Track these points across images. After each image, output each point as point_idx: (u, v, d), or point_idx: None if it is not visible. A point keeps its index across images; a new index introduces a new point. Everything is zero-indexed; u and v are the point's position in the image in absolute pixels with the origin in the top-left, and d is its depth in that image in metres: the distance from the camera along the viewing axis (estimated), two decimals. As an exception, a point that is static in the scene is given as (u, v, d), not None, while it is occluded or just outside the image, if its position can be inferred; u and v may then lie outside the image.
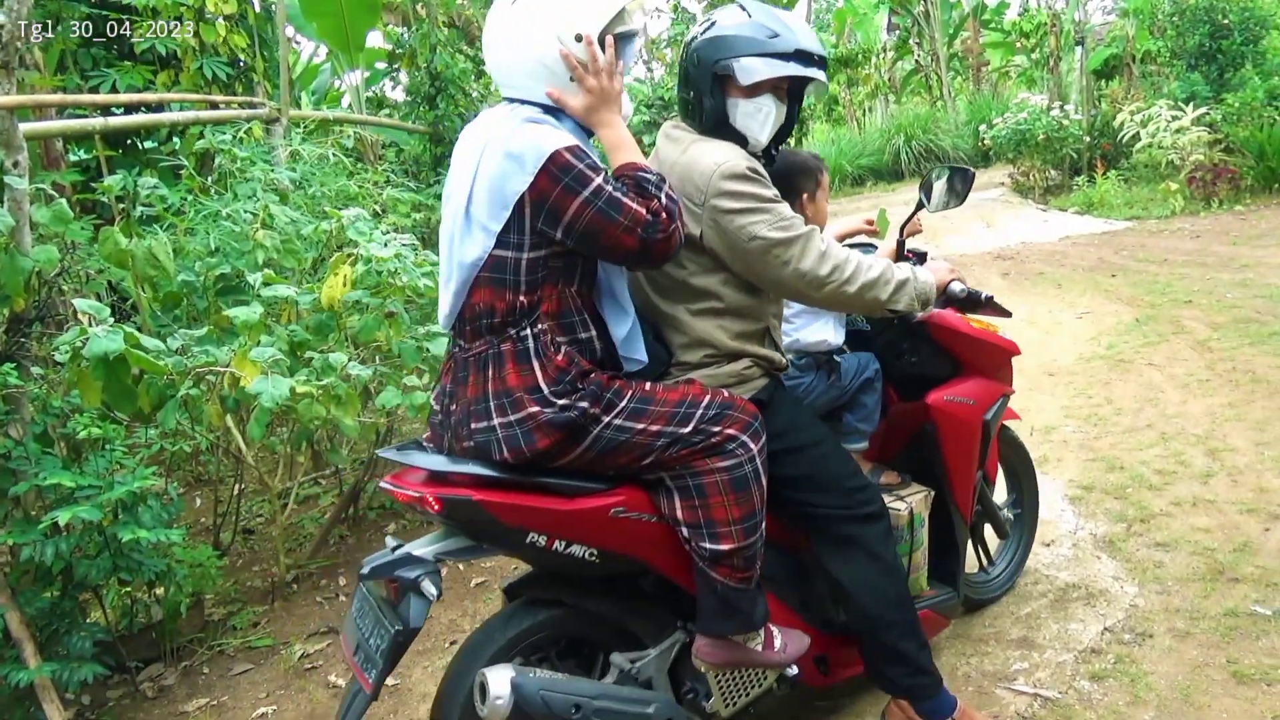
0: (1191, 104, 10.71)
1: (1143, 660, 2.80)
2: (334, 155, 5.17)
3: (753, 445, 2.09)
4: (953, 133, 17.11)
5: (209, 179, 4.84)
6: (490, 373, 1.99)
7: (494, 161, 1.94)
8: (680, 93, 2.33)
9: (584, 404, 1.97)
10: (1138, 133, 10.90)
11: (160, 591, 3.95)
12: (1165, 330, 6.13)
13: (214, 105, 5.83)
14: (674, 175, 2.19)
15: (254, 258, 4.24)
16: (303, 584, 4.44)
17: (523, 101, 2.04)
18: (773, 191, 2.17)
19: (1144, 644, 2.89)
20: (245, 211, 4.44)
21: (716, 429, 2.05)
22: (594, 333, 2.06)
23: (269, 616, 4.16)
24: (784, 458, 2.24)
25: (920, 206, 2.79)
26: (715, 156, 2.16)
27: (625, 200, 1.92)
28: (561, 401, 1.95)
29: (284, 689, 3.53)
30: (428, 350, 4.08)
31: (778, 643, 2.26)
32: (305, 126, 5.99)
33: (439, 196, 6.82)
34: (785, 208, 2.17)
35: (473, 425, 2.01)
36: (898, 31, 21.67)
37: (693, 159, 2.20)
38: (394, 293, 3.91)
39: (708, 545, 2.06)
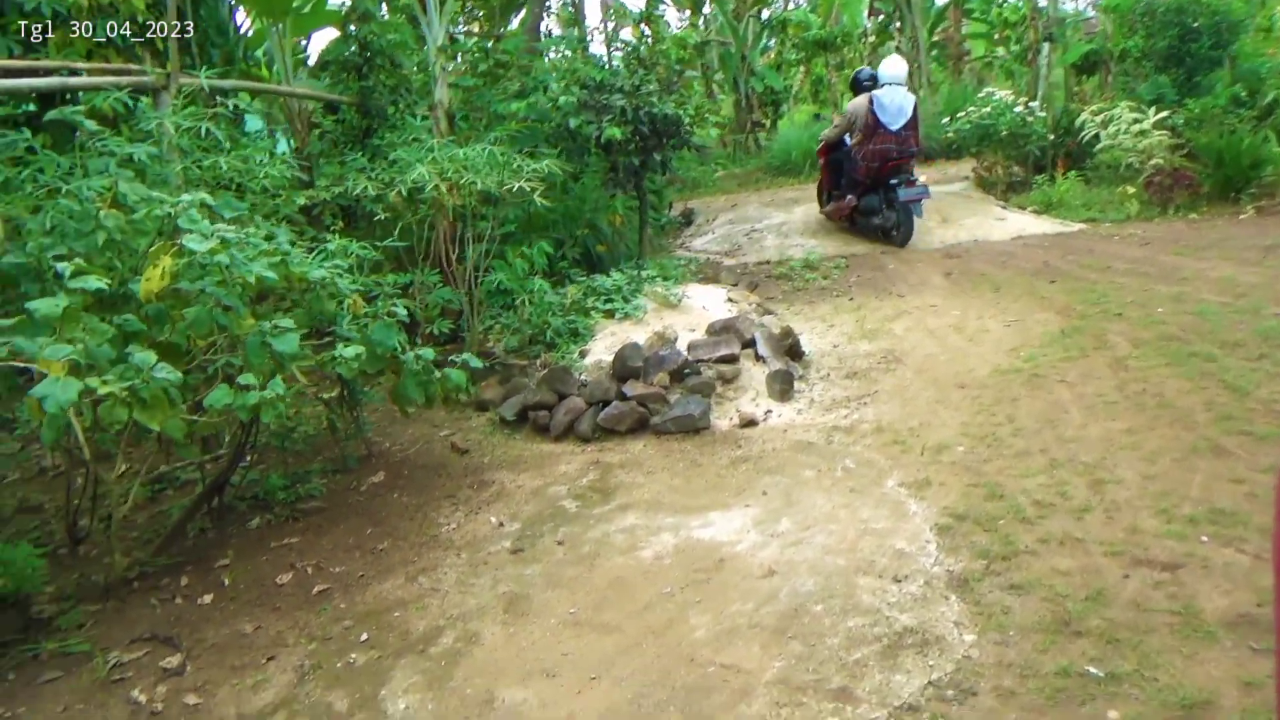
0: (1154, 107, 10.47)
1: (959, 721, 2.62)
2: (210, 129, 4.88)
3: None
4: (927, 122, 16.79)
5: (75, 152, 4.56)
6: (917, 139, 9.83)
7: (909, 97, 9.59)
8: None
9: None
10: (1097, 133, 10.67)
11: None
12: (1087, 344, 5.93)
13: (112, 72, 5.54)
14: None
15: (93, 239, 3.99)
16: (144, 582, 4.21)
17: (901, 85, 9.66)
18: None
19: (965, 702, 2.70)
20: (89, 189, 4.18)
21: None
22: None
23: (98, 618, 3.94)
24: None
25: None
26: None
27: None
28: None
29: (84, 703, 3.32)
30: (271, 347, 3.85)
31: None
32: (203, 95, 5.70)
33: (362, 168, 6.53)
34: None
35: (914, 147, 9.75)
36: (880, 16, 21.29)
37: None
38: (229, 284, 3.66)
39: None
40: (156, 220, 3.74)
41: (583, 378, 5.78)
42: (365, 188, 6.08)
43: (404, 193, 5.78)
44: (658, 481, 4.69)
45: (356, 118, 8.20)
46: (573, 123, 7.32)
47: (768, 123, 20.50)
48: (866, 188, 9.89)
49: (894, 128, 9.26)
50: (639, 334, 6.20)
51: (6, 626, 3.80)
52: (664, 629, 3.33)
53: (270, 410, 3.67)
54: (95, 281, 3.37)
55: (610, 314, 6.52)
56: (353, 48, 8.03)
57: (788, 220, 12.13)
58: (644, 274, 7.04)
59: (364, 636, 3.53)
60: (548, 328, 6.23)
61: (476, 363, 4.95)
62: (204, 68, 9.17)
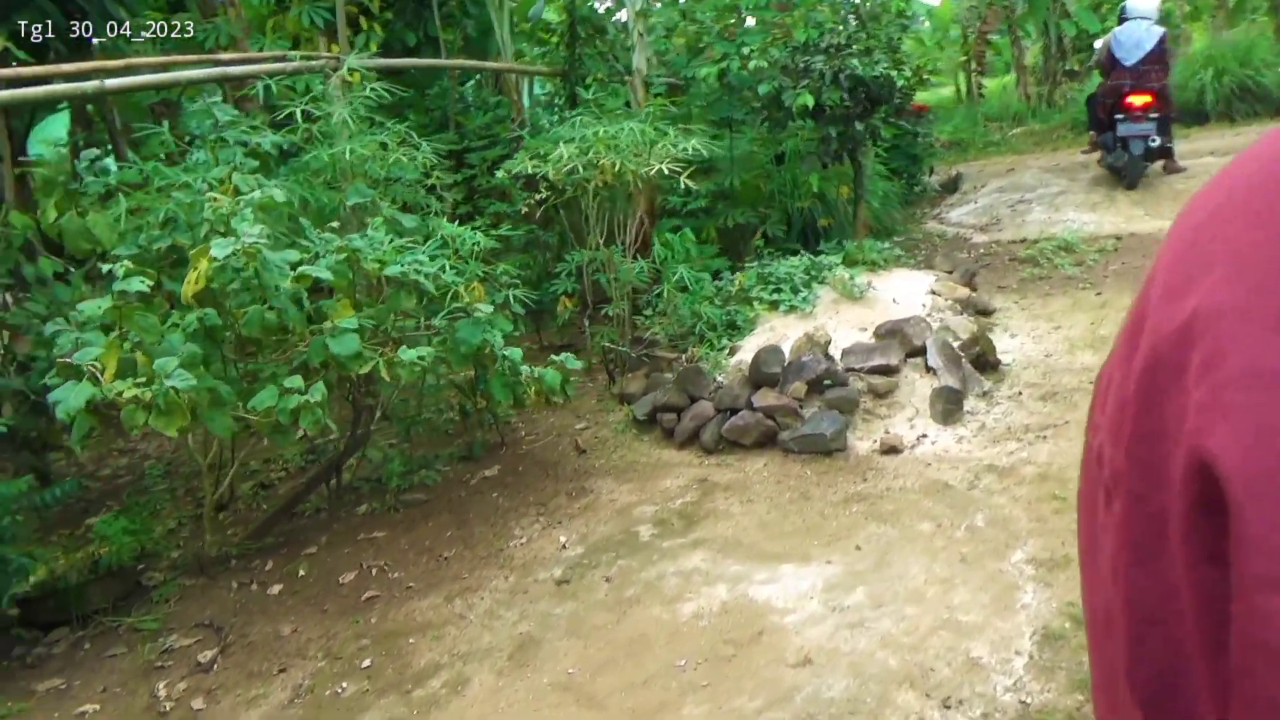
0: None
1: None
2: (345, 115, 4.90)
3: None
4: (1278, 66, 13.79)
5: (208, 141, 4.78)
6: (1161, 75, 8.44)
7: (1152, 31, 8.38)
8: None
9: None
10: None
11: (79, 556, 4.07)
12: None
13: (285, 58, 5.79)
14: None
15: (197, 232, 4.12)
16: (240, 561, 4.39)
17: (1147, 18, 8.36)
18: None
19: None
20: (203, 180, 4.33)
21: None
22: None
23: (185, 594, 4.15)
24: None
25: None
26: None
27: None
28: None
29: (120, 688, 3.48)
30: (329, 350, 3.77)
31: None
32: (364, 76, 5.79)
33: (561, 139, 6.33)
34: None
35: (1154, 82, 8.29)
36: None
37: None
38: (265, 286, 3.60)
39: None
40: (222, 217, 3.77)
41: (720, 379, 5.25)
42: (525, 166, 5.91)
43: (548, 174, 5.53)
44: (751, 514, 4.11)
45: (566, 88, 8.10)
46: (763, 89, 6.66)
47: (1080, 70, 17.96)
48: (1106, 125, 9.56)
49: (1128, 63, 8.93)
50: (800, 330, 5.52)
51: (108, 593, 4.11)
52: (650, 715, 2.84)
53: (309, 415, 3.60)
54: (137, 283, 3.44)
55: (774, 305, 5.88)
56: (562, 16, 7.92)
57: (1067, 190, 10.46)
58: (827, 259, 6.28)
59: (367, 662, 3.38)
60: (699, 319, 5.74)
61: (575, 362, 4.62)
62: (455, 41, 9.53)
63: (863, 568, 3.50)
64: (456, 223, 7.78)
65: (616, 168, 5.28)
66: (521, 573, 3.89)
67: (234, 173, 4.35)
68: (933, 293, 6.29)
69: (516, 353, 4.35)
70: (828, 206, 8.30)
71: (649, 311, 6.25)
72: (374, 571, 4.10)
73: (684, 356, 5.69)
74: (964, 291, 6.44)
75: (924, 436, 4.67)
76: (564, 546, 4.06)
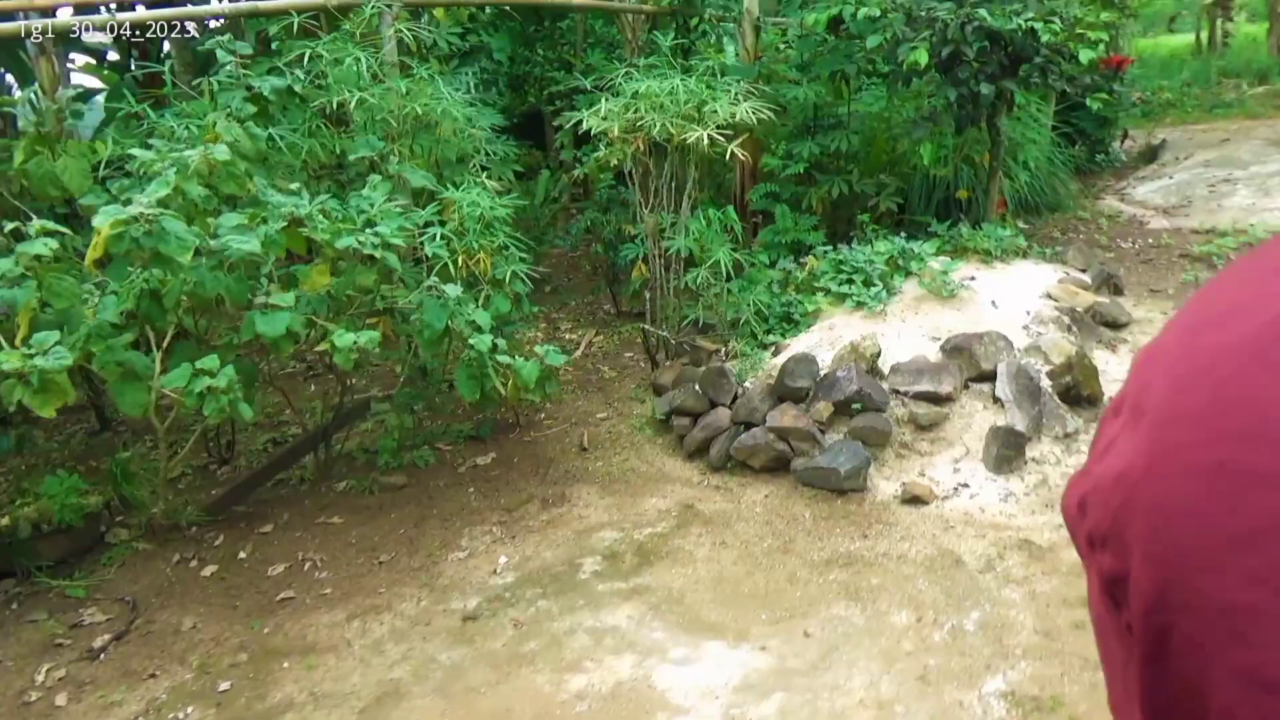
0: None
1: None
2: (361, 58, 4.49)
3: None
4: None
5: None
6: None
7: None
8: None
9: None
10: None
11: (28, 511, 4.00)
12: None
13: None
14: None
15: (165, 181, 3.86)
16: (199, 530, 4.21)
17: None
18: None
19: None
20: (187, 128, 4.06)
21: None
22: None
23: (129, 560, 4.01)
24: None
25: None
26: None
27: None
28: None
29: (11, 663, 3.35)
30: (257, 330, 3.43)
31: None
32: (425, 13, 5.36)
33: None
34: None
35: None
36: None
37: None
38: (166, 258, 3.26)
39: None
40: (149, 176, 3.46)
41: (748, 385, 4.56)
42: (591, 123, 5.33)
43: (591, 133, 4.93)
44: (715, 562, 3.47)
45: (677, 30, 7.38)
46: (872, 41, 5.69)
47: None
48: None
49: None
50: (863, 332, 4.70)
51: (58, 549, 4.03)
52: (453, 829, 2.35)
53: (213, 402, 3.28)
54: (40, 245, 3.18)
55: (841, 299, 5.05)
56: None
57: (1288, 169, 8.73)
58: (923, 245, 5.33)
59: (227, 685, 3.07)
60: (747, 309, 5.01)
61: (558, 358, 4.08)
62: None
63: (797, 664, 2.82)
64: (548, 171, 7.31)
65: (656, 129, 4.60)
66: (437, 597, 3.45)
67: (226, 118, 4.06)
68: (1048, 296, 5.24)
69: (485, 340, 3.86)
70: (977, 176, 7.22)
71: (716, 290, 5.57)
72: (306, 566, 3.80)
73: (724, 350, 5.01)
74: (1088, 297, 5.32)
75: (964, 486, 3.82)
76: (496, 571, 3.59)
